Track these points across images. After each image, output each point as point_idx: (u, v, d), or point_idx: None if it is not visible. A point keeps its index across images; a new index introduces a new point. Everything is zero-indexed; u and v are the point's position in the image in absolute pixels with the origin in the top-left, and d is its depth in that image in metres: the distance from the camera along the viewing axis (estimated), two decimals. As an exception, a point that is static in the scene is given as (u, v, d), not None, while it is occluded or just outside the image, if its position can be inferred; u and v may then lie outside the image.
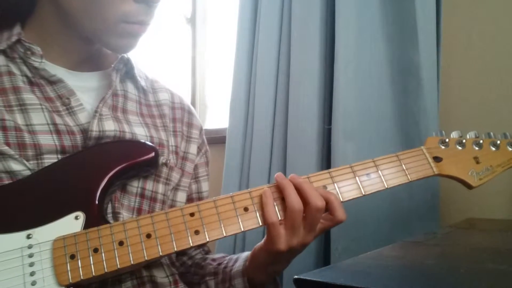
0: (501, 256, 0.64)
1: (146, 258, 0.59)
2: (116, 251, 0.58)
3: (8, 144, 0.62)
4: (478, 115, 1.09)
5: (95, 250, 0.58)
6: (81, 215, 0.60)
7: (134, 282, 0.67)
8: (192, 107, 0.86)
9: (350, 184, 0.68)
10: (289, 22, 1.21)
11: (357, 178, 0.68)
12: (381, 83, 1.09)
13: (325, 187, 0.67)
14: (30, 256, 0.57)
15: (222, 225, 0.62)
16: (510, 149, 0.76)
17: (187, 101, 0.86)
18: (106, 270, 0.57)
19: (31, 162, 0.63)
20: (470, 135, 0.76)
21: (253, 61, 1.33)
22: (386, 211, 1.06)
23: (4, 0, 0.71)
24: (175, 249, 0.60)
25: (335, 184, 0.67)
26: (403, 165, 0.71)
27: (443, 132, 0.76)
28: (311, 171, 0.68)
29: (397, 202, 1.05)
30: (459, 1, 1.12)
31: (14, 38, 0.67)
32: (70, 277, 0.56)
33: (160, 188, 0.73)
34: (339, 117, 1.06)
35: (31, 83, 0.67)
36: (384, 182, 0.69)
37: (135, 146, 0.69)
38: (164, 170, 0.74)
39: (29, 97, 0.65)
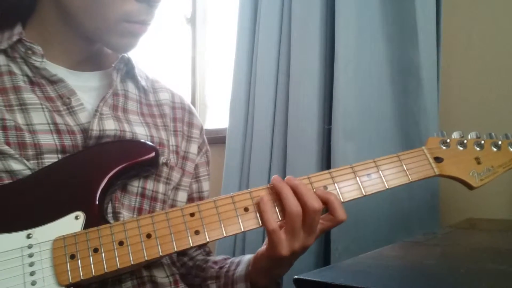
0: (501, 256, 0.64)
1: (146, 258, 0.59)
2: (116, 251, 0.58)
3: (8, 144, 0.62)
4: (478, 115, 1.09)
5: (95, 250, 0.58)
6: (81, 215, 0.60)
7: (134, 282, 0.67)
8: (192, 107, 0.86)
9: (351, 185, 0.68)
10: (289, 22, 1.21)
11: (357, 178, 0.68)
12: (381, 83, 1.09)
13: (325, 187, 0.67)
14: (30, 256, 0.57)
15: (222, 225, 0.62)
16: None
17: (188, 101, 0.86)
18: (106, 270, 0.57)
19: (31, 161, 0.63)
20: (471, 135, 0.76)
21: (253, 61, 1.33)
22: (386, 211, 1.06)
23: (5, 0, 0.71)
24: (175, 249, 0.60)
25: (336, 184, 0.67)
26: (404, 166, 0.71)
27: (444, 132, 0.76)
28: (311, 171, 0.69)
29: (397, 202, 1.05)
30: (459, 1, 1.12)
31: (15, 38, 0.67)
32: (70, 277, 0.56)
33: (161, 187, 0.73)
34: (339, 117, 1.06)
35: (31, 82, 0.67)
36: (385, 182, 0.69)
37: (136, 145, 0.69)
38: (165, 169, 0.74)
39: (30, 96, 0.65)
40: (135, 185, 0.70)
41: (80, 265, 0.57)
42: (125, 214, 0.68)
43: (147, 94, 0.79)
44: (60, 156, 0.65)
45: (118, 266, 0.58)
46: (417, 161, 0.72)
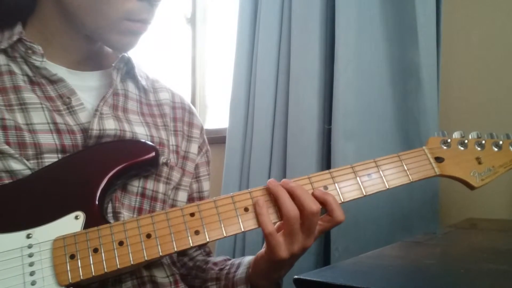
0: (501, 256, 0.64)
1: (146, 258, 0.59)
2: (116, 251, 0.58)
3: (8, 143, 0.61)
4: (478, 115, 1.09)
5: (95, 250, 0.58)
6: (81, 214, 0.60)
7: (134, 282, 0.67)
8: (192, 107, 0.86)
9: (351, 185, 0.68)
10: (289, 22, 1.21)
11: (358, 178, 0.68)
12: (381, 83, 1.09)
13: (326, 187, 0.67)
14: (30, 255, 0.57)
15: (222, 225, 0.62)
16: (512, 149, 0.76)
17: (188, 100, 0.86)
18: (106, 270, 0.57)
19: (31, 161, 0.63)
20: (472, 135, 0.76)
21: (253, 61, 1.33)
22: (386, 211, 1.06)
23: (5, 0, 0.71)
24: (175, 249, 0.60)
25: (336, 184, 0.67)
26: (404, 166, 0.71)
27: (445, 132, 0.76)
28: (311, 171, 0.68)
29: (397, 202, 1.05)
30: (459, 1, 1.12)
31: (15, 37, 0.67)
32: (70, 277, 0.56)
33: (161, 187, 0.73)
34: (339, 117, 1.06)
35: (31, 82, 0.67)
36: (386, 182, 0.69)
37: (136, 145, 0.69)
38: (165, 169, 0.74)
39: (30, 96, 0.65)
40: (135, 185, 0.70)
41: (80, 265, 0.57)
42: (125, 214, 0.68)
43: (147, 94, 0.79)
44: (60, 155, 0.65)
45: (118, 266, 0.58)
46: (418, 161, 0.72)
